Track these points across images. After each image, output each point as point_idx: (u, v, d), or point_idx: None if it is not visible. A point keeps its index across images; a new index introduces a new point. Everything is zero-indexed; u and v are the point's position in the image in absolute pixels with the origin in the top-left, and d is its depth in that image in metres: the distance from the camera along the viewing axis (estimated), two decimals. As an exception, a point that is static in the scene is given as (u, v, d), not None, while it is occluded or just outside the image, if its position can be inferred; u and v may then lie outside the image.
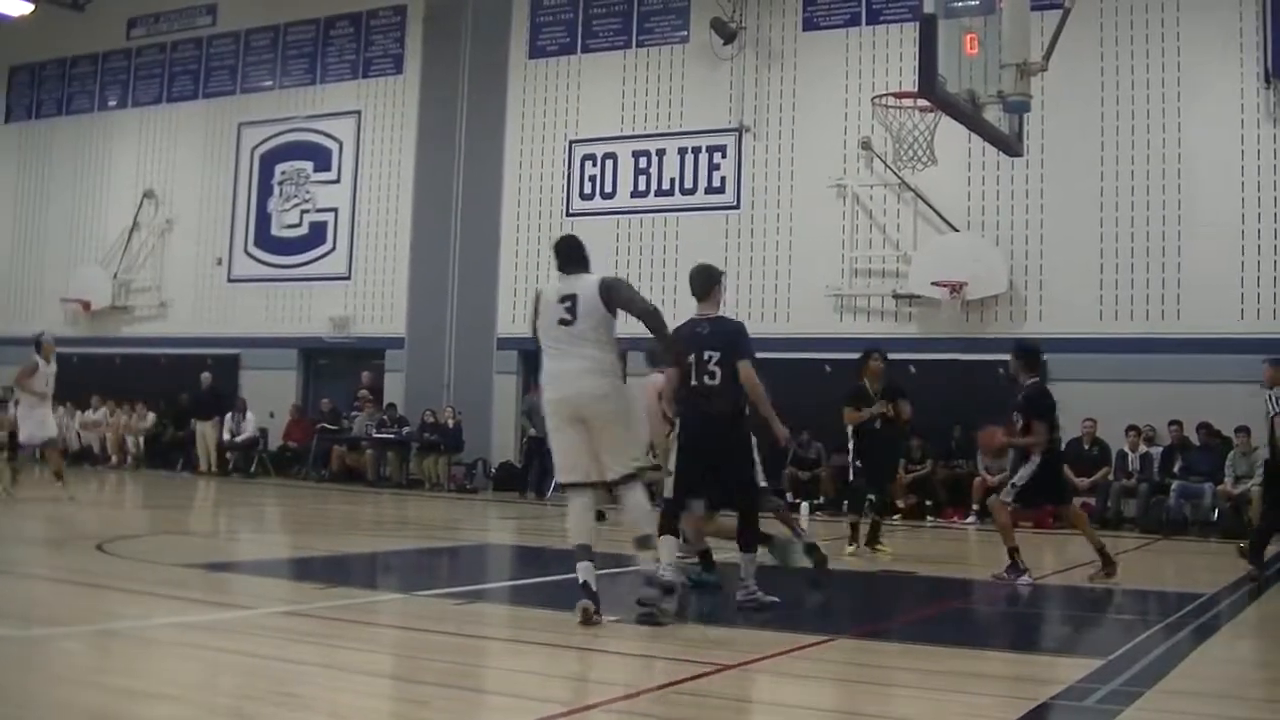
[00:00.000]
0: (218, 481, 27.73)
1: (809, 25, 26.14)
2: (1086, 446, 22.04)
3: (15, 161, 36.30)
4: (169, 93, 33.62)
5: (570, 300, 9.24)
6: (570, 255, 9.55)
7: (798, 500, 23.74)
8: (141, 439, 31.15)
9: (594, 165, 27.58)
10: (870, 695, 7.20)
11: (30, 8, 32.59)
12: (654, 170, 26.99)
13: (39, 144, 35.83)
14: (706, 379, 10.47)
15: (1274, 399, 14.42)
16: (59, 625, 8.69)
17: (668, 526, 10.26)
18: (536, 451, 25.12)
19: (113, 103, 34.62)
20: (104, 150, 34.42)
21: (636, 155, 27.19)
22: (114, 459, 31.15)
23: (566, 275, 9.50)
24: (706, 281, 11.13)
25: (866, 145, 24.98)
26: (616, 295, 9.35)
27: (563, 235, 10.04)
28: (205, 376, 30.09)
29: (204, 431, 29.63)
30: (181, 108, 33.31)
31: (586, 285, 9.41)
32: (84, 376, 32.40)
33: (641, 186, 27.10)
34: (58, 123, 35.58)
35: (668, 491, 10.68)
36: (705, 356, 10.50)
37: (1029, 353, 14.46)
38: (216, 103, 32.69)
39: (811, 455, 24.20)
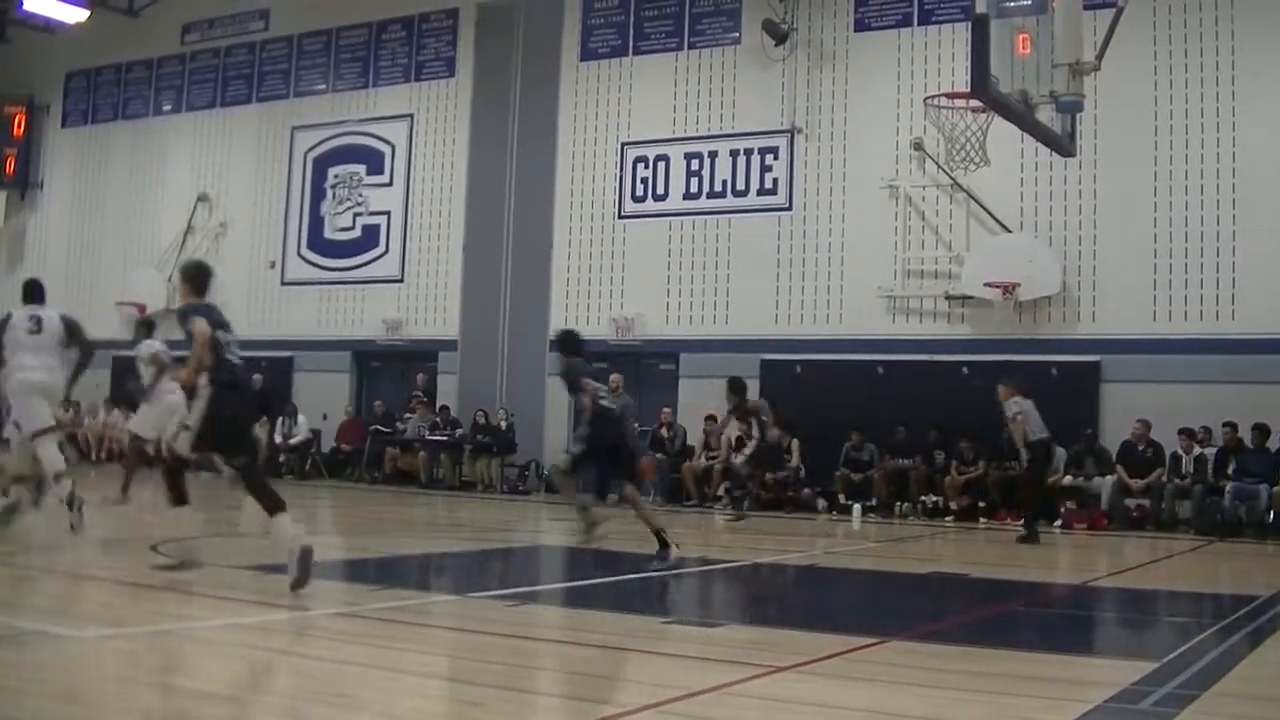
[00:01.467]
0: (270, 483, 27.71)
1: (860, 26, 26.08)
2: (1140, 448, 21.91)
3: (72, 166, 36.68)
4: (223, 97, 33.85)
5: None
6: None
7: (850, 501, 23.66)
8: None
9: (646, 167, 27.58)
10: (922, 698, 7.18)
11: (85, 14, 32.89)
12: (706, 172, 26.97)
13: (95, 149, 36.17)
14: None
15: None
16: (117, 626, 8.75)
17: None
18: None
19: (167, 107, 34.89)
20: (159, 155, 34.70)
21: (688, 157, 27.19)
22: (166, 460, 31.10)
23: None
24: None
25: (918, 146, 24.89)
26: None
27: None
28: (257, 379, 30.10)
29: (256, 433, 29.66)
30: (235, 112, 33.53)
31: None
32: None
33: (693, 188, 27.09)
34: (113, 128, 35.89)
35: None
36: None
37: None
38: (269, 107, 32.88)
39: (864, 457, 24.11)
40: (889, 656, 8.46)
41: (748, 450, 23.28)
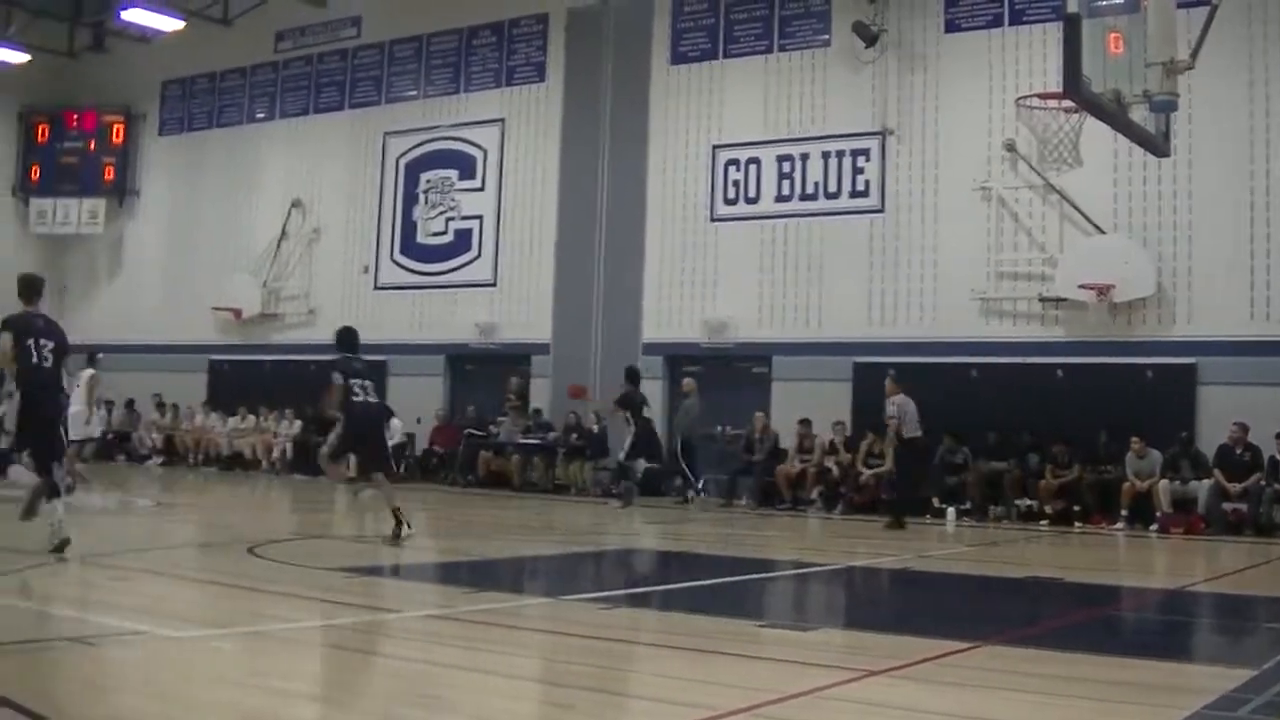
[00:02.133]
0: (361, 486, 27.99)
1: (951, 27, 25.95)
2: (1238, 451, 21.62)
3: (168, 173, 37.30)
4: (316, 104, 34.24)
5: None
6: None
7: (944, 505, 23.53)
8: (289, 445, 31.57)
9: (737, 170, 27.58)
10: (1015, 703, 7.16)
11: (181, 24, 33.40)
12: (797, 174, 26.95)
13: (191, 156, 36.74)
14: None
15: None
16: (213, 627, 8.88)
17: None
18: (683, 455, 25.41)
19: (261, 115, 35.32)
20: (253, 161, 35.17)
21: (780, 159, 27.17)
22: (263, 464, 31.66)
23: None
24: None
25: (1011, 147, 24.73)
26: None
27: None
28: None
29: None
30: (328, 118, 33.91)
31: None
32: (234, 383, 33.22)
33: (785, 190, 27.07)
34: (208, 135, 36.45)
35: None
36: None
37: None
38: (362, 113, 33.22)
39: (958, 460, 23.95)
40: (982, 661, 8.43)
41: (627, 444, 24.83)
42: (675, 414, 26.64)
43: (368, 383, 16.32)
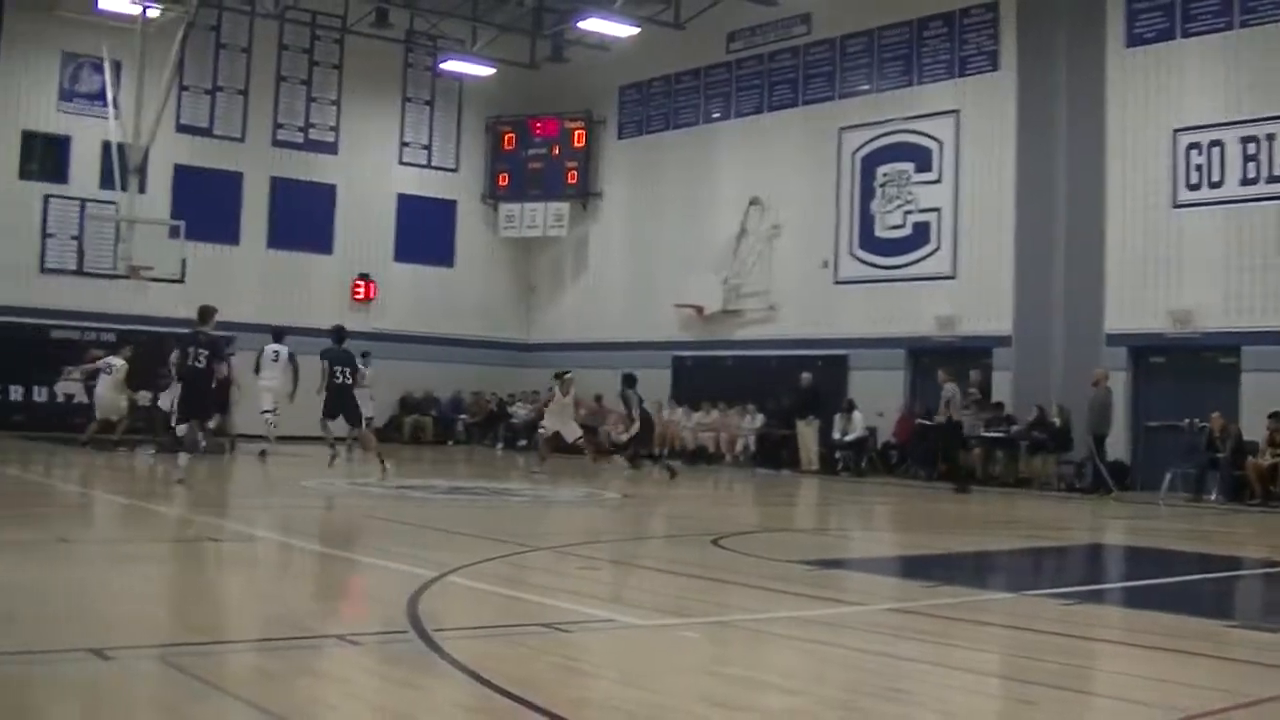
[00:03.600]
0: (821, 480, 28.30)
1: None
2: None
3: (627, 175, 38.83)
4: (769, 102, 35.06)
5: None
6: None
7: None
8: (751, 438, 32.11)
9: (1199, 154, 26.73)
10: None
11: (635, 30, 34.57)
12: (1264, 157, 25.76)
13: (649, 158, 38.12)
14: None
15: None
16: (680, 616, 9.21)
17: None
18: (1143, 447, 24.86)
19: (716, 115, 36.42)
20: (709, 161, 36.22)
21: (1244, 141, 26.09)
22: (726, 458, 32.26)
23: None
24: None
25: None
26: None
27: None
28: (805, 377, 31.09)
29: (803, 431, 30.25)
30: (781, 116, 34.81)
31: None
32: (697, 379, 34.11)
33: (1251, 174, 25.90)
34: (665, 137, 37.89)
35: None
36: None
37: None
38: (815, 109, 33.84)
39: None
40: None
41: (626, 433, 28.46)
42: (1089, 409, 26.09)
43: (345, 368, 23.73)
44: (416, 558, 11.55)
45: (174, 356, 22.82)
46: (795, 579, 11.45)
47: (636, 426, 27.73)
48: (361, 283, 39.55)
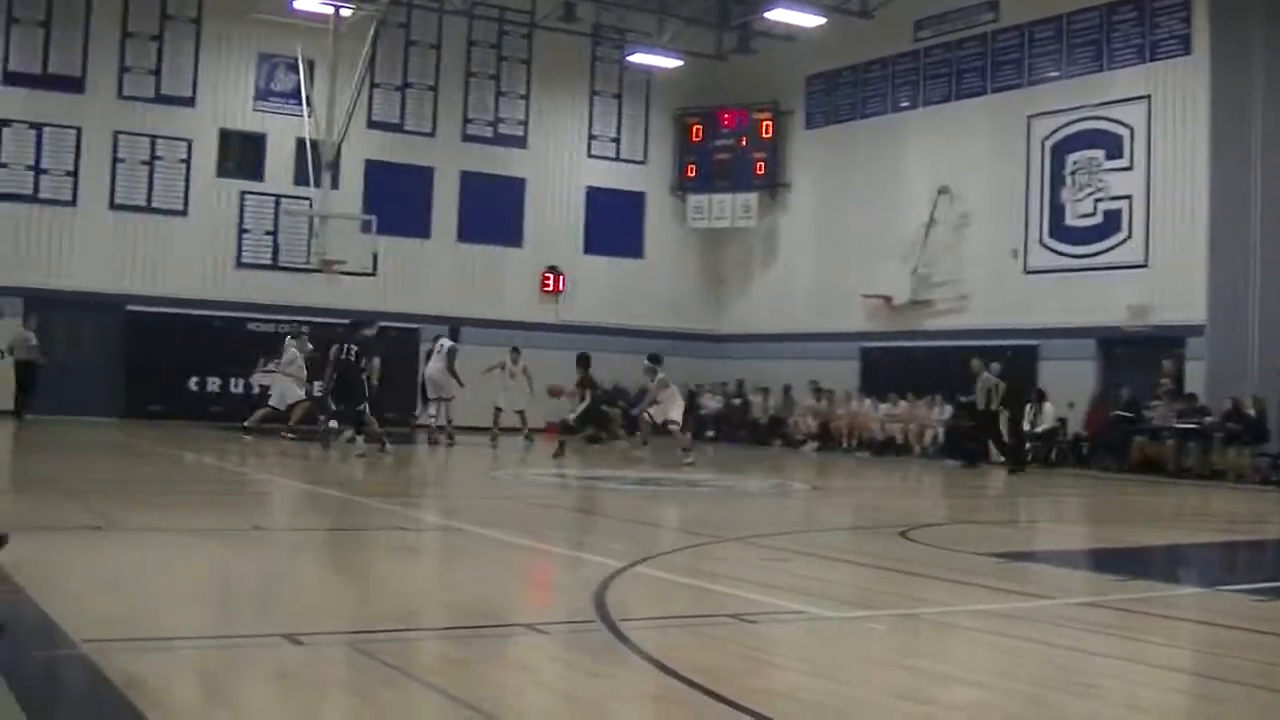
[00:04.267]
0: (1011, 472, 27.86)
1: None
2: None
3: (816, 166, 38.94)
4: (957, 90, 34.66)
5: None
6: None
7: None
8: (940, 430, 31.85)
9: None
10: None
11: (822, 20, 34.45)
12: None
13: (837, 148, 38.19)
14: None
15: None
16: (867, 608, 9.20)
17: None
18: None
19: (904, 104, 36.34)
20: (898, 150, 36.07)
21: None
22: (915, 449, 32.06)
23: None
24: None
25: None
26: None
27: None
28: (995, 367, 30.23)
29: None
30: (969, 104, 34.48)
31: None
32: (886, 369, 33.97)
33: None
34: (852, 127, 38.01)
35: None
36: None
37: None
38: (1004, 97, 33.59)
39: None
40: None
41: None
42: None
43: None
44: (604, 548, 11.70)
45: (333, 350, 24.71)
46: (984, 571, 11.43)
47: (584, 404, 29.09)
48: (551, 275, 40.10)
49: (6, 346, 30.52)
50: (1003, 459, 28.37)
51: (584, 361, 28.89)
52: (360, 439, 24.14)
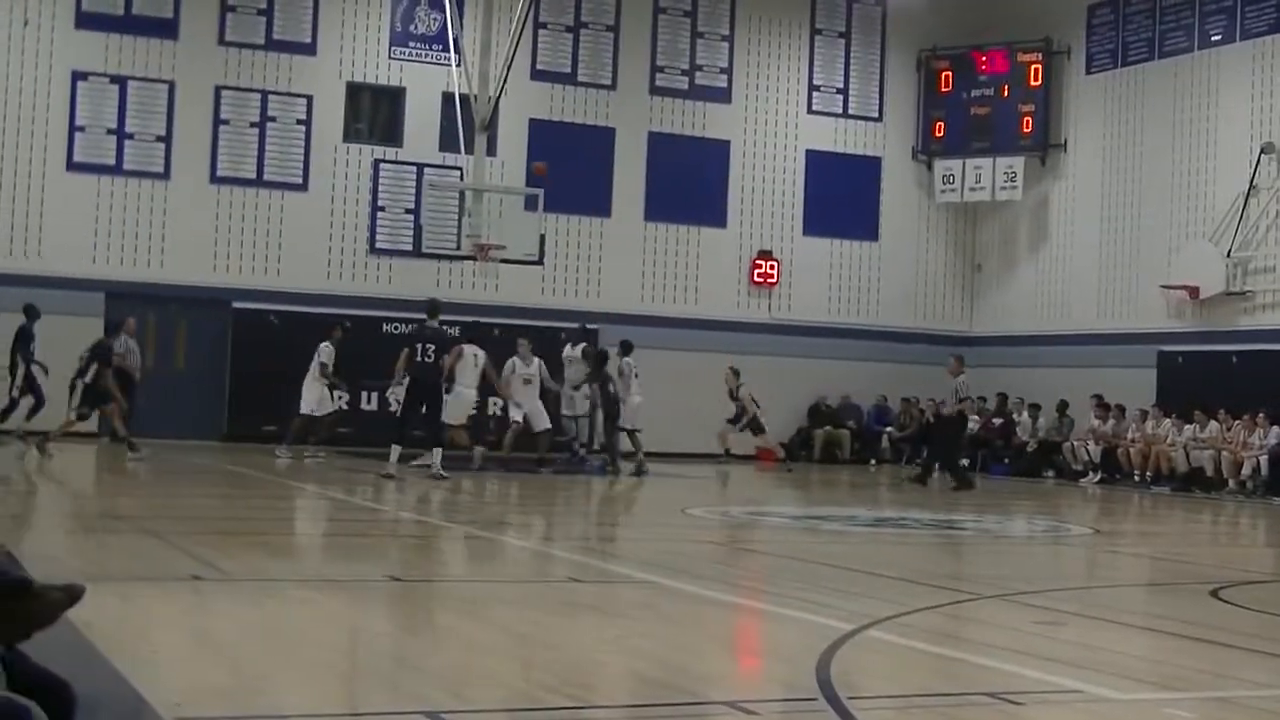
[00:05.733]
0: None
1: None
2: None
3: (1100, 121, 38.78)
4: (1288, 18, 33.52)
5: None
6: None
7: None
8: (1263, 459, 31.17)
9: None
10: None
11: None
12: None
13: (1127, 97, 37.76)
14: None
15: None
16: (1167, 689, 9.19)
17: None
18: None
19: (1216, 37, 35.29)
20: (1208, 98, 35.36)
21: None
22: (1229, 483, 31.42)
23: None
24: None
25: None
26: None
27: None
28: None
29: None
30: (1305, 36, 33.17)
31: None
32: (1191, 381, 33.33)
33: None
34: (1148, 69, 37.22)
35: None
36: None
37: None
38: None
39: None
40: None
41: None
42: None
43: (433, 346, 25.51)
44: (828, 606, 11.66)
45: (404, 353, 25.52)
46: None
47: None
48: (762, 261, 39.97)
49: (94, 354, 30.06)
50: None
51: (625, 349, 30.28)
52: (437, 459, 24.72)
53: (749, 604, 12.34)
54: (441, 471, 24.33)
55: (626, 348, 30.07)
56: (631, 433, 29.95)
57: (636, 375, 29.70)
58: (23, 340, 28.07)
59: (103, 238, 33.92)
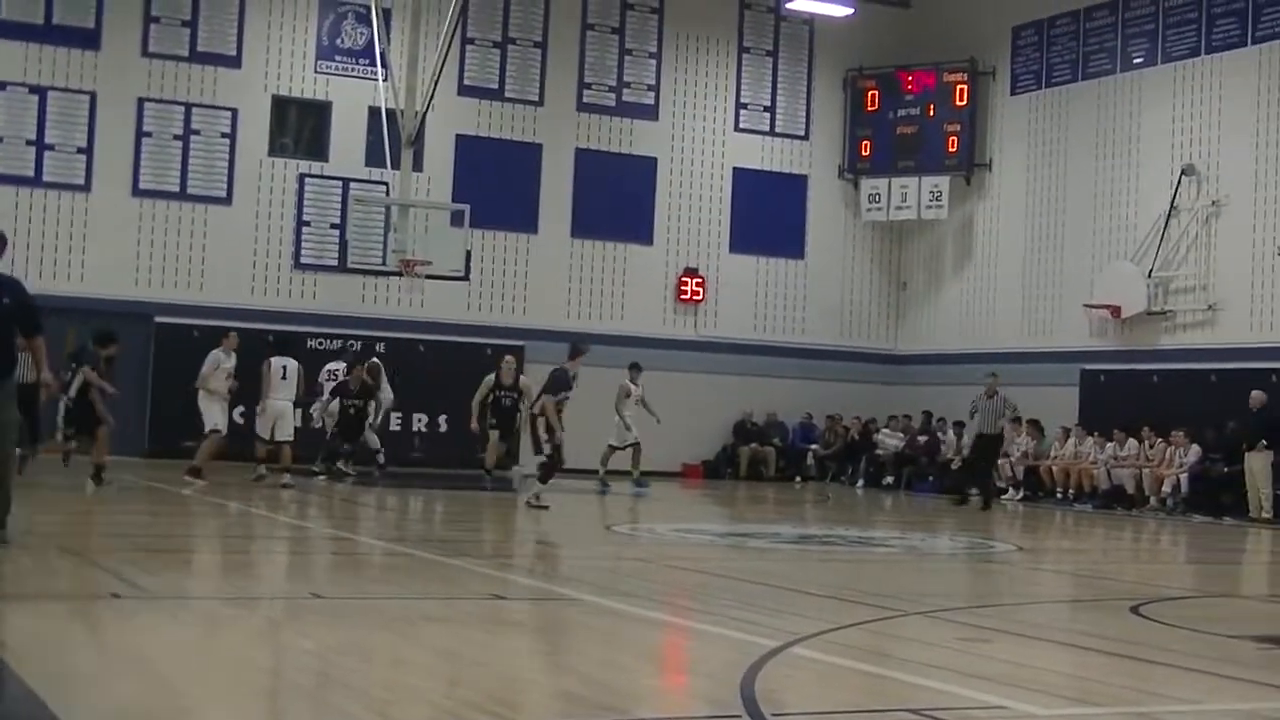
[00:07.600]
0: (1278, 532, 27.46)
1: None
2: None
3: (1024, 141, 39.39)
4: (1209, 41, 34.02)
5: None
6: None
7: None
8: (1183, 477, 31.35)
9: None
10: None
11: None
12: None
13: (1051, 117, 38.18)
14: None
15: None
16: (1090, 704, 9.20)
17: None
18: None
19: (1138, 59, 35.77)
20: (1130, 120, 35.60)
21: None
22: (1150, 501, 31.62)
23: None
24: None
25: None
26: None
27: None
28: (1257, 395, 29.86)
29: (1252, 467, 29.42)
30: (1227, 59, 33.82)
31: None
32: (1112, 399, 33.52)
33: None
34: (1072, 90, 38.02)
35: None
36: None
37: None
38: (1271, 48, 32.41)
39: None
40: None
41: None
42: None
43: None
44: (754, 623, 11.65)
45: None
46: (1242, 660, 11.29)
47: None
48: (688, 279, 39.98)
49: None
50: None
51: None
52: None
53: (675, 621, 12.33)
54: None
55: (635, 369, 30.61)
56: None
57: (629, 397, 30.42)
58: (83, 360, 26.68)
59: (20, 250, 33.42)
